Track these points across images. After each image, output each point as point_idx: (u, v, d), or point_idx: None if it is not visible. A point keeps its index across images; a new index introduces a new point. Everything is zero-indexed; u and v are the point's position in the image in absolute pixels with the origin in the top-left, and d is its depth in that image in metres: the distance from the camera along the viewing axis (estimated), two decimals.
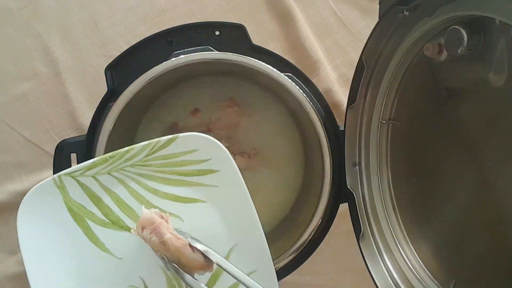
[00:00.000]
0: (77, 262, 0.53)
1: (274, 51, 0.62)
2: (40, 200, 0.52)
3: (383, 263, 0.58)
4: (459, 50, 0.44)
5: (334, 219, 0.62)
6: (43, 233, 0.52)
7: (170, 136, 0.53)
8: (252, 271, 0.53)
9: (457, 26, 0.44)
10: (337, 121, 0.62)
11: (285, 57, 0.61)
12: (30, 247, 0.51)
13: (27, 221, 0.51)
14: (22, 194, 0.73)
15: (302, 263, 0.62)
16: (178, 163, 0.54)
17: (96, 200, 0.53)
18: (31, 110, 0.74)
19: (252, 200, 0.53)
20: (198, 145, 0.53)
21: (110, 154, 0.52)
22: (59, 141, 0.60)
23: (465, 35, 0.43)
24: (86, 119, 0.74)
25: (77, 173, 0.53)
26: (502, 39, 0.42)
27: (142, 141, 0.70)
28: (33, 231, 0.51)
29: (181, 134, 0.53)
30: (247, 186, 0.53)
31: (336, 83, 0.76)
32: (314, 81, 0.62)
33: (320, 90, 0.62)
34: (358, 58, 0.56)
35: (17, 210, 0.74)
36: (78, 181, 0.53)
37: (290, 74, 0.60)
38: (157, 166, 0.54)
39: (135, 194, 0.54)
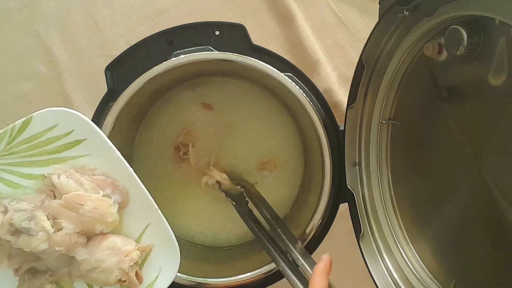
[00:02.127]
0: None
1: (274, 51, 0.62)
2: None
3: (383, 263, 0.58)
4: (459, 50, 0.44)
5: (334, 219, 0.62)
6: None
7: (24, 118, 0.52)
8: (146, 225, 0.54)
9: (457, 26, 0.44)
10: (337, 121, 0.62)
11: (285, 57, 0.61)
12: None
13: None
14: None
15: None
16: (43, 142, 0.53)
17: None
18: (31, 110, 0.73)
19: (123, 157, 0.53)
20: (56, 119, 0.52)
21: None
22: None
23: (465, 35, 0.43)
24: None
25: None
26: (502, 39, 0.42)
27: (142, 142, 0.71)
28: None
29: (34, 113, 0.52)
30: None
31: (336, 83, 0.76)
32: (314, 81, 0.62)
33: (320, 90, 0.62)
34: (358, 58, 0.56)
35: None
36: None
37: (290, 74, 0.60)
38: (24, 151, 0.53)
39: (12, 185, 0.53)
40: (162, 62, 0.58)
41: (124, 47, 0.70)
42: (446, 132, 0.51)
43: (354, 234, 0.60)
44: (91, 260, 0.51)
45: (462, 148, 0.48)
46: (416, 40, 0.50)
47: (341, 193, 0.62)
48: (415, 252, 0.56)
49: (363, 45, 0.54)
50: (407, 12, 0.48)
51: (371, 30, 0.53)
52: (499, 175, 0.45)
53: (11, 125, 0.52)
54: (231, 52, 0.59)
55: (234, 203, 0.67)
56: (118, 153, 0.53)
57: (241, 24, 0.61)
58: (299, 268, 0.56)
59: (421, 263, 0.55)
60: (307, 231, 0.61)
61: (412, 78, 0.54)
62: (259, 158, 0.71)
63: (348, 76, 0.75)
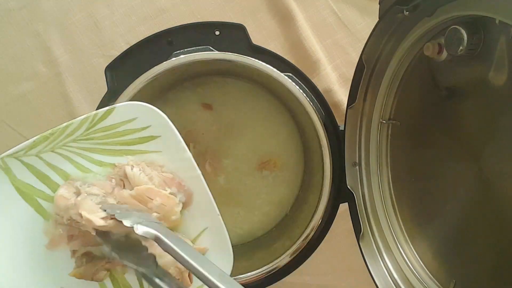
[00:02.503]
0: (30, 241, 0.53)
1: (274, 51, 0.62)
2: None
3: (383, 263, 0.58)
4: (459, 50, 0.44)
5: (334, 219, 0.62)
6: None
7: (107, 108, 0.53)
8: (204, 228, 0.55)
9: (457, 26, 0.44)
10: (337, 121, 0.62)
11: (285, 57, 0.62)
12: None
13: None
14: None
15: (302, 263, 0.62)
16: (119, 133, 0.54)
17: (43, 178, 0.53)
18: (31, 110, 0.74)
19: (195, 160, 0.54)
20: (137, 113, 0.54)
21: (49, 131, 0.53)
22: None
23: (465, 35, 0.43)
24: None
25: (20, 153, 0.52)
26: (502, 39, 0.42)
27: None
28: None
29: (117, 104, 0.53)
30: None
31: (336, 83, 0.76)
32: (314, 81, 0.62)
33: (320, 90, 0.62)
34: (358, 58, 0.56)
35: None
36: (22, 162, 0.53)
37: (290, 74, 0.60)
38: (100, 138, 0.54)
39: (81, 168, 0.54)
40: (162, 62, 0.58)
41: (124, 47, 0.70)
42: (446, 132, 0.51)
43: (354, 234, 0.60)
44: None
45: (462, 148, 0.48)
46: (416, 40, 0.50)
47: (341, 193, 0.62)
48: (415, 252, 0.56)
49: (363, 45, 0.54)
50: (407, 12, 0.48)
51: (371, 30, 0.53)
52: (499, 174, 0.45)
53: (94, 112, 0.53)
54: (231, 52, 0.59)
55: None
56: (190, 154, 0.54)
57: (241, 24, 0.61)
58: None
59: (421, 263, 0.55)
60: (307, 231, 0.61)
61: (412, 78, 0.54)
62: (259, 158, 0.71)
63: (348, 76, 0.75)
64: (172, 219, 0.53)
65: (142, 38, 0.60)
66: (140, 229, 0.46)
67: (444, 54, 0.47)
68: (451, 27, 0.45)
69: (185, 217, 0.55)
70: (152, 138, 0.54)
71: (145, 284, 0.54)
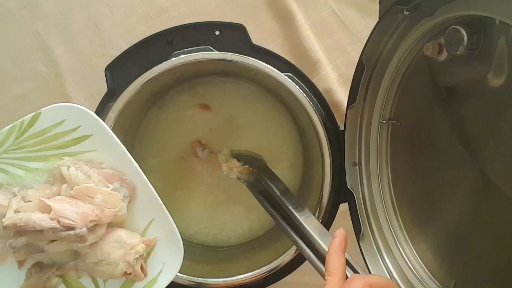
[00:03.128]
0: None
1: (274, 51, 0.62)
2: None
3: (383, 262, 0.58)
4: (459, 50, 0.44)
5: (334, 219, 0.62)
6: None
7: (33, 113, 0.53)
8: (150, 220, 0.54)
9: (457, 26, 0.44)
10: (337, 121, 0.62)
11: (285, 57, 0.62)
12: None
13: None
14: None
15: (302, 263, 0.62)
16: (51, 137, 0.54)
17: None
18: (31, 110, 0.73)
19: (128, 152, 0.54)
20: (64, 115, 0.53)
21: None
22: None
23: (465, 35, 0.43)
24: None
25: None
26: (502, 39, 0.42)
27: (142, 142, 0.71)
28: None
29: (43, 109, 0.53)
30: None
31: (336, 83, 0.75)
32: (314, 81, 0.62)
33: (320, 90, 0.62)
34: (358, 58, 0.56)
35: None
36: None
37: (290, 74, 0.60)
38: (32, 145, 0.54)
39: (18, 179, 0.54)
40: (162, 62, 0.58)
41: (124, 47, 0.69)
42: (446, 132, 0.51)
43: (354, 234, 0.60)
44: (97, 253, 0.52)
45: (462, 148, 0.48)
46: (416, 40, 0.50)
47: (341, 193, 0.62)
48: (415, 252, 0.56)
49: (363, 45, 0.54)
50: (407, 12, 0.48)
51: (371, 30, 0.53)
52: (499, 174, 0.45)
53: (20, 120, 0.53)
54: (231, 52, 0.59)
55: (246, 184, 0.66)
56: (124, 148, 0.54)
57: (241, 24, 0.61)
58: (315, 246, 0.54)
59: (421, 263, 0.55)
60: None
61: (412, 78, 0.54)
62: None
63: (348, 76, 0.75)
64: (119, 214, 0.53)
65: (142, 38, 0.60)
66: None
67: (444, 54, 0.47)
68: (451, 27, 0.45)
69: (131, 211, 0.55)
70: (85, 137, 0.54)
71: (101, 285, 0.54)
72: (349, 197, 0.61)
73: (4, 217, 0.50)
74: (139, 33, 0.75)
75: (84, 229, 0.50)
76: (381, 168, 0.60)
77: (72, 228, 0.50)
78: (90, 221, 0.50)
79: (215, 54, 0.59)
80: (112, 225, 0.54)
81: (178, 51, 0.59)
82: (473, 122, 0.47)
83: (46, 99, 0.74)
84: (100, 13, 0.74)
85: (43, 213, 0.50)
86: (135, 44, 0.60)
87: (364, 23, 0.76)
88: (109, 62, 0.60)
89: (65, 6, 0.74)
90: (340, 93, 0.75)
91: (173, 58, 0.58)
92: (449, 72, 0.49)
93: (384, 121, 0.58)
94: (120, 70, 0.60)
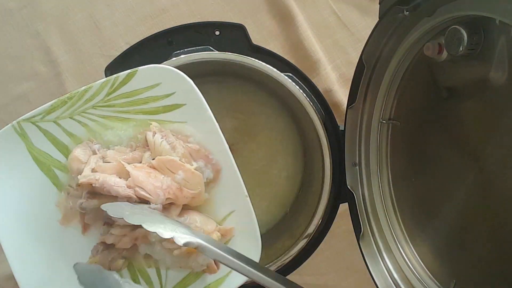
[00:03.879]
0: (44, 214, 0.50)
1: (274, 51, 0.62)
2: (2, 149, 0.49)
3: (383, 263, 0.58)
4: (459, 50, 0.44)
5: (334, 219, 0.62)
6: (10, 184, 0.50)
7: (129, 70, 0.50)
8: (230, 211, 0.51)
9: (457, 26, 0.44)
10: (337, 121, 0.62)
11: (285, 57, 0.62)
12: None
13: None
14: None
15: (302, 263, 0.62)
16: (142, 100, 0.51)
17: (61, 147, 0.51)
18: (31, 110, 0.74)
19: (222, 133, 0.51)
20: (160, 78, 0.51)
21: (68, 95, 0.50)
22: None
23: (465, 35, 0.43)
24: None
25: (37, 118, 0.50)
26: (502, 39, 0.42)
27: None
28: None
29: (140, 68, 0.50)
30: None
31: (336, 83, 0.76)
32: (314, 81, 0.62)
33: (320, 90, 0.62)
34: (358, 58, 0.56)
35: None
36: (39, 127, 0.50)
37: (290, 74, 0.60)
38: (121, 105, 0.51)
39: (99, 137, 0.52)
40: (162, 62, 0.58)
41: (124, 47, 0.70)
42: (446, 132, 0.51)
43: (354, 234, 0.60)
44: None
45: (462, 148, 0.48)
46: (416, 40, 0.50)
47: (341, 193, 0.62)
48: (415, 252, 0.56)
49: (363, 45, 0.54)
50: (407, 12, 0.48)
51: (371, 30, 0.53)
52: (499, 174, 0.45)
53: (114, 76, 0.50)
54: (231, 52, 0.59)
55: None
56: (217, 125, 0.50)
57: (241, 24, 0.61)
58: None
59: (421, 263, 0.55)
60: (307, 231, 0.61)
61: (412, 78, 0.54)
62: (258, 158, 0.71)
63: (348, 76, 0.75)
64: (198, 198, 0.50)
65: (142, 38, 0.60)
66: (182, 241, 0.43)
67: (444, 54, 0.47)
68: (451, 27, 0.45)
69: (212, 195, 0.51)
70: (177, 106, 0.51)
71: (163, 274, 0.51)
72: (349, 197, 0.61)
73: (80, 172, 0.48)
74: (139, 33, 0.75)
75: (159, 205, 0.47)
76: (381, 168, 0.60)
77: (147, 202, 0.47)
78: (167, 199, 0.48)
79: (215, 54, 0.59)
80: (187, 207, 0.51)
81: (178, 51, 0.59)
82: (473, 122, 0.47)
83: (46, 99, 0.73)
84: (100, 13, 0.74)
85: (120, 178, 0.48)
86: (135, 44, 0.60)
87: (364, 23, 0.76)
88: (109, 62, 0.60)
89: (65, 6, 0.74)
90: (340, 93, 0.75)
91: (173, 58, 0.58)
92: (449, 72, 0.49)
93: (384, 121, 0.58)
94: (120, 70, 0.59)
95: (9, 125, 0.50)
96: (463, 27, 0.44)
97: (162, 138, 0.50)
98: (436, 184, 0.54)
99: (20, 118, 0.50)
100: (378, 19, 0.51)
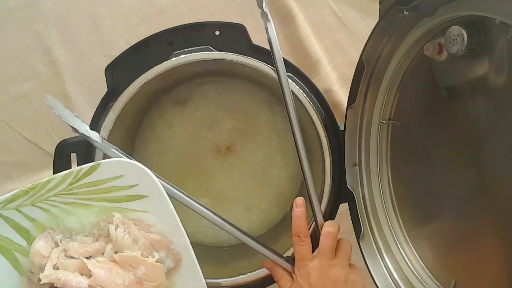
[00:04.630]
0: None
1: None
2: None
3: (383, 262, 0.58)
4: (459, 50, 0.44)
5: (334, 219, 0.62)
6: None
7: (92, 164, 0.52)
8: None
9: (457, 26, 0.44)
10: (337, 121, 0.62)
11: (285, 57, 0.61)
12: None
13: None
14: None
15: None
16: (104, 189, 0.52)
17: (22, 232, 0.52)
18: (31, 110, 0.74)
19: (183, 226, 0.52)
20: (124, 170, 0.52)
21: (30, 185, 0.51)
22: (59, 141, 0.60)
23: (465, 35, 0.43)
24: (86, 119, 0.73)
25: None
26: (502, 39, 0.42)
27: (142, 142, 0.71)
28: None
29: (103, 161, 0.52)
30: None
31: (336, 83, 0.75)
32: (314, 81, 0.62)
33: (320, 90, 0.62)
34: (358, 58, 0.56)
35: None
36: (0, 215, 0.51)
37: (290, 74, 0.60)
38: (83, 194, 0.52)
39: (61, 224, 0.53)
40: (162, 62, 0.58)
41: (124, 47, 0.69)
42: (446, 132, 0.51)
43: (354, 234, 0.60)
44: None
45: (462, 147, 0.48)
46: (416, 40, 0.50)
47: (341, 193, 0.62)
48: (415, 252, 0.56)
49: (363, 45, 0.54)
50: (407, 12, 0.48)
51: (371, 30, 0.53)
52: (499, 174, 0.45)
53: (77, 168, 0.51)
54: (231, 52, 0.59)
55: None
56: (178, 219, 0.52)
57: (241, 24, 0.61)
58: None
59: (421, 263, 0.55)
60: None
61: (412, 78, 0.54)
62: (258, 158, 0.71)
63: (348, 76, 0.75)
64: (157, 285, 0.51)
65: (142, 38, 0.60)
66: None
67: (444, 54, 0.47)
68: (451, 27, 0.45)
69: (171, 282, 0.52)
70: (139, 197, 0.52)
71: None
72: (349, 197, 0.61)
73: (42, 268, 0.49)
74: (139, 33, 0.74)
75: None
76: (381, 168, 0.60)
77: None
78: None
79: (215, 54, 0.59)
80: None
81: (178, 51, 0.59)
82: (473, 122, 0.47)
83: None
84: (100, 13, 0.74)
85: (82, 275, 0.49)
86: (135, 44, 0.60)
87: (364, 23, 0.76)
88: (109, 62, 0.60)
89: (65, 6, 0.74)
90: (340, 93, 0.75)
91: (173, 58, 0.58)
92: (449, 72, 0.49)
93: (384, 121, 0.58)
94: (120, 70, 0.60)
95: None
96: (463, 27, 0.44)
97: (124, 231, 0.51)
98: (436, 184, 0.54)
99: None
100: (378, 19, 0.51)
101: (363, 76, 0.57)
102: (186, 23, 0.61)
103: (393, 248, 0.58)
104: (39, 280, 0.49)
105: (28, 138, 0.74)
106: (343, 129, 0.61)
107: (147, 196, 0.52)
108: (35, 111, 0.75)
